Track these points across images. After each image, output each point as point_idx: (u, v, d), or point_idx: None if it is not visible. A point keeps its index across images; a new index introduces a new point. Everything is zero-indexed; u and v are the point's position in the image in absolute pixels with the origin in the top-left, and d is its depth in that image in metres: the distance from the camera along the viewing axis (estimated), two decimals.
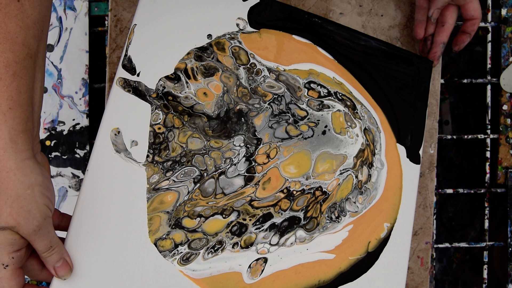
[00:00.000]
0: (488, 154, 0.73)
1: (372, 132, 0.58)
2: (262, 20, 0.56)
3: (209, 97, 0.54)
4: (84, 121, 0.67)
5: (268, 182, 0.54)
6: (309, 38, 0.57)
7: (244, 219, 0.53)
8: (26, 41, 0.39)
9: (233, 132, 0.53)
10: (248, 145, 0.54)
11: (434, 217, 0.69)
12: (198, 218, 0.51)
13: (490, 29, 0.72)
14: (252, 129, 0.54)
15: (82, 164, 0.66)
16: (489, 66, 0.72)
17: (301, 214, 0.54)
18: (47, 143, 0.66)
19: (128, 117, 0.50)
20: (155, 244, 0.49)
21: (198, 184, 0.51)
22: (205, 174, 0.52)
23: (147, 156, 0.50)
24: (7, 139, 0.38)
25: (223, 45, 0.55)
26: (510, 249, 0.72)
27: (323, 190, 0.55)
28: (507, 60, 0.71)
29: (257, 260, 0.52)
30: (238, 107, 0.54)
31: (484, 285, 0.72)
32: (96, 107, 0.71)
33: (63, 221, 0.46)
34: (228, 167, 0.53)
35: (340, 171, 0.56)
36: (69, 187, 0.66)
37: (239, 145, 0.53)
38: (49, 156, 0.66)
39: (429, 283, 0.69)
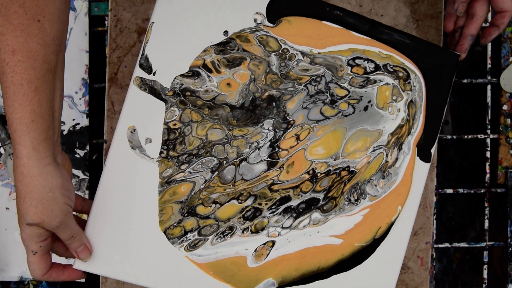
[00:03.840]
0: (488, 154, 0.73)
1: (416, 106, 0.57)
2: (282, 13, 0.55)
3: (232, 87, 0.54)
4: (84, 121, 0.67)
5: (291, 166, 0.55)
6: (340, 24, 0.56)
7: (260, 204, 0.55)
8: (46, 57, 0.43)
9: (263, 118, 0.55)
10: (276, 129, 0.55)
11: (434, 217, 0.69)
12: (213, 205, 0.54)
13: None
14: (282, 114, 0.55)
15: (82, 164, 0.66)
16: (489, 66, 0.72)
17: (321, 195, 0.56)
18: None
19: (144, 115, 0.53)
20: (165, 233, 0.53)
21: (217, 172, 0.54)
22: (224, 162, 0.54)
23: (161, 152, 0.53)
24: (30, 148, 0.43)
25: (246, 37, 0.55)
26: (510, 249, 0.72)
27: (351, 169, 0.56)
28: (507, 60, 0.71)
29: (264, 244, 0.54)
30: (267, 94, 0.55)
31: (484, 285, 0.72)
32: (96, 107, 0.71)
33: (85, 207, 0.52)
34: (251, 152, 0.54)
35: (373, 148, 0.57)
36: None
37: (268, 129, 0.55)
38: None
39: (429, 283, 0.69)
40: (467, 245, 0.73)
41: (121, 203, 0.52)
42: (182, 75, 0.53)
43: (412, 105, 0.57)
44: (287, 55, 0.56)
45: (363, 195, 0.57)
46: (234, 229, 0.54)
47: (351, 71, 0.56)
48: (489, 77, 0.72)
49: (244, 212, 0.54)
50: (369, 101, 0.57)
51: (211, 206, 0.54)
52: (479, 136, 0.73)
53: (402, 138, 0.58)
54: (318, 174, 0.56)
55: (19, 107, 0.42)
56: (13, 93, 0.42)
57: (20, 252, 0.66)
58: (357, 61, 0.57)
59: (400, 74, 0.57)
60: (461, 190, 0.73)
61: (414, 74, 0.57)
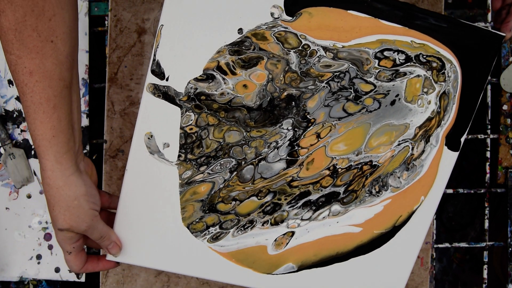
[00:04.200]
0: (488, 154, 0.73)
1: (449, 97, 0.55)
2: (302, 4, 0.51)
3: (249, 88, 0.52)
4: (84, 121, 0.66)
5: (311, 163, 0.55)
6: (367, 13, 0.51)
7: (279, 199, 0.56)
8: (61, 75, 0.45)
9: (281, 118, 0.53)
10: (296, 129, 0.54)
11: (434, 217, 0.69)
12: (233, 202, 0.55)
13: (490, 29, 0.72)
14: (302, 113, 0.53)
15: None
16: None
17: (341, 189, 0.56)
18: None
19: (160, 121, 0.52)
20: (188, 227, 0.55)
21: (235, 172, 0.54)
22: (242, 162, 0.54)
23: (179, 156, 0.53)
24: (53, 162, 0.46)
25: (263, 34, 0.51)
26: (510, 249, 0.72)
27: (373, 163, 0.56)
28: (507, 60, 0.71)
29: (283, 234, 0.56)
30: (286, 93, 0.52)
31: (484, 285, 0.72)
32: (96, 107, 0.71)
33: (112, 202, 0.54)
34: (270, 151, 0.54)
35: (399, 142, 0.55)
36: None
37: (287, 128, 0.53)
38: None
39: (429, 283, 0.69)
40: (467, 245, 0.73)
41: (145, 203, 0.54)
42: (196, 79, 0.51)
43: (444, 96, 0.55)
44: (308, 52, 0.52)
45: (385, 187, 0.57)
46: (254, 223, 0.56)
47: (378, 65, 0.53)
48: (489, 77, 0.72)
49: (263, 207, 0.55)
50: (397, 95, 0.54)
51: (231, 203, 0.55)
52: (479, 136, 0.73)
53: (431, 130, 0.56)
54: (339, 170, 0.55)
55: (40, 125, 0.45)
56: (34, 112, 0.45)
57: (20, 252, 0.66)
58: (385, 53, 0.53)
59: (434, 65, 0.54)
60: (461, 190, 0.73)
61: (450, 63, 0.54)
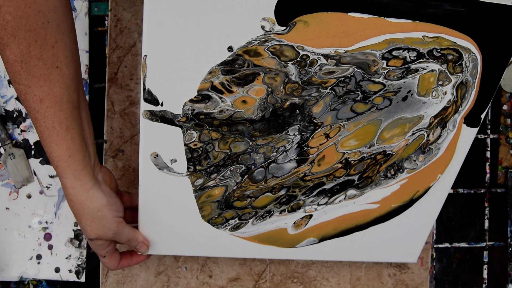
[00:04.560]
0: (488, 154, 0.73)
1: (467, 86, 0.51)
2: (295, 13, 0.46)
3: (249, 103, 0.50)
4: None
5: (322, 159, 0.55)
6: (370, 13, 0.46)
7: (294, 192, 0.56)
8: (69, 97, 0.47)
9: (287, 125, 0.52)
10: (303, 133, 0.52)
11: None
12: (248, 199, 0.56)
13: None
14: (308, 118, 0.51)
15: None
16: None
17: (355, 177, 0.56)
18: None
19: (163, 141, 0.52)
20: (208, 222, 0.57)
21: (247, 176, 0.54)
22: (252, 166, 0.54)
23: (188, 168, 0.53)
24: (73, 179, 0.49)
25: (256, 50, 0.47)
26: (510, 249, 0.72)
27: (387, 153, 0.55)
28: None
29: (302, 217, 0.58)
30: (288, 103, 0.50)
31: (484, 285, 0.72)
32: (96, 107, 0.71)
33: (133, 201, 0.57)
34: (279, 155, 0.54)
35: (413, 131, 0.54)
36: None
37: (293, 134, 0.52)
38: None
39: (429, 283, 0.69)
40: (467, 245, 0.73)
41: (163, 209, 0.56)
42: (192, 101, 0.49)
43: (462, 86, 0.51)
44: (308, 62, 0.48)
45: (401, 170, 0.56)
46: (272, 212, 0.57)
47: (387, 65, 0.49)
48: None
49: (279, 200, 0.56)
50: (409, 91, 0.51)
51: (246, 200, 0.56)
52: (479, 136, 0.73)
53: (448, 117, 0.53)
54: (352, 162, 0.55)
55: (55, 147, 0.47)
56: (48, 136, 0.47)
57: (20, 252, 0.66)
58: (394, 53, 0.49)
59: (450, 57, 0.50)
60: (461, 190, 0.73)
61: (469, 52, 0.50)
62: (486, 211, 0.72)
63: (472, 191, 0.73)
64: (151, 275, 0.67)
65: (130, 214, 0.57)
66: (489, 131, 0.72)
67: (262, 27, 0.46)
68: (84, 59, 0.67)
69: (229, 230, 0.58)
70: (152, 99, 0.49)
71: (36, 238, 0.66)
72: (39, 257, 0.66)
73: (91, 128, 0.52)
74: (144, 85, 0.48)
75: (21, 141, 0.66)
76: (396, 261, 0.64)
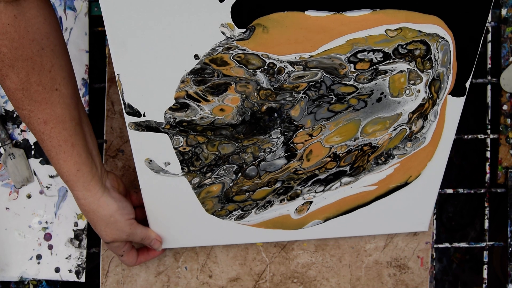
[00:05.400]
0: (488, 154, 0.73)
1: (440, 79, 0.52)
2: (252, 15, 0.46)
3: (226, 111, 0.51)
4: None
5: (310, 153, 0.56)
6: (328, 9, 0.45)
7: (289, 183, 0.58)
8: (71, 115, 0.49)
9: (269, 129, 0.54)
10: (285, 133, 0.54)
11: (434, 217, 0.69)
12: (247, 193, 0.58)
13: (490, 29, 0.72)
14: (287, 119, 0.53)
15: None
16: (489, 66, 0.72)
17: (347, 168, 0.58)
18: None
19: (153, 147, 0.54)
20: (213, 214, 0.60)
21: (240, 174, 0.57)
22: (244, 165, 0.56)
23: (182, 168, 0.56)
24: (83, 191, 0.52)
25: (222, 59, 0.48)
26: (510, 249, 0.72)
27: (373, 145, 0.56)
28: (507, 60, 0.71)
29: (302, 204, 0.60)
30: (265, 107, 0.52)
31: (484, 285, 0.72)
32: (96, 107, 0.71)
33: (141, 199, 0.59)
34: (266, 155, 0.56)
35: (394, 127, 0.56)
36: None
37: (277, 137, 0.54)
38: None
39: (429, 283, 0.69)
40: (467, 245, 0.73)
41: (168, 207, 0.59)
42: (171, 109, 0.51)
43: (434, 82, 0.52)
44: (275, 69, 0.48)
45: (391, 157, 0.58)
46: (272, 202, 0.60)
47: (355, 68, 0.49)
48: (489, 77, 0.72)
49: (276, 191, 0.59)
50: (382, 93, 0.52)
51: (245, 194, 0.58)
52: (479, 136, 0.73)
53: (426, 111, 0.55)
54: (340, 154, 0.57)
55: (64, 163, 0.50)
56: (56, 154, 0.49)
57: (20, 252, 0.66)
58: (359, 55, 0.48)
59: (417, 52, 0.49)
60: (461, 190, 0.73)
61: (436, 40, 0.48)
62: (486, 211, 0.72)
63: (472, 191, 0.73)
64: (151, 275, 0.67)
65: (141, 212, 0.60)
66: (489, 131, 0.72)
67: (223, 33, 0.46)
68: (84, 59, 0.67)
69: (234, 219, 0.60)
70: (134, 112, 0.51)
71: (36, 238, 0.66)
72: (39, 257, 0.66)
73: (94, 140, 0.54)
74: (123, 100, 0.51)
75: (21, 141, 0.66)
76: (407, 231, 0.66)
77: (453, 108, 0.55)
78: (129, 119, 0.52)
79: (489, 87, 0.73)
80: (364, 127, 0.54)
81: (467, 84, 0.53)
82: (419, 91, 0.53)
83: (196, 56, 0.48)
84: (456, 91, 0.54)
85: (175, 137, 0.53)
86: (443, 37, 0.49)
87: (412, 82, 0.52)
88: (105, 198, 0.53)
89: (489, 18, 0.72)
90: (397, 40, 0.48)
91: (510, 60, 0.71)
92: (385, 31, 0.47)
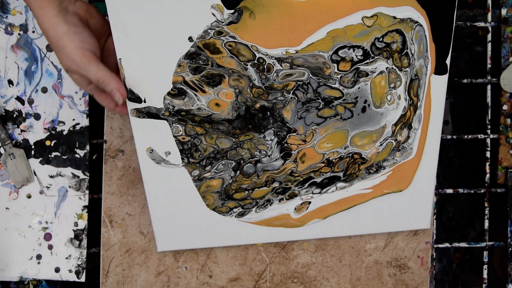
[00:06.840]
0: (488, 154, 0.73)
1: (418, 75, 0.56)
2: None
3: (222, 106, 0.55)
4: (84, 121, 0.66)
5: (304, 155, 0.59)
6: None
7: (287, 184, 0.60)
8: None
9: (263, 128, 0.57)
10: (279, 133, 0.57)
11: (434, 217, 0.69)
12: (246, 191, 0.60)
13: (490, 29, 0.72)
14: (280, 119, 0.56)
15: (82, 164, 0.66)
16: (489, 66, 0.72)
17: (340, 174, 0.60)
18: (47, 143, 0.66)
19: (154, 135, 0.56)
20: (214, 210, 0.61)
21: (238, 171, 0.59)
22: (241, 161, 0.58)
23: (182, 159, 0.57)
24: (37, 9, 0.48)
25: (215, 45, 0.53)
26: (510, 249, 0.72)
27: (362, 156, 0.60)
28: (507, 60, 0.71)
29: (301, 203, 0.62)
30: (258, 105, 0.56)
31: (484, 285, 0.72)
32: (96, 107, 0.71)
33: (103, 26, 0.53)
34: (262, 157, 0.58)
35: (380, 142, 0.59)
36: (69, 187, 0.66)
37: (270, 139, 0.57)
38: (49, 156, 0.66)
39: (429, 283, 0.69)
40: (467, 245, 0.73)
41: (170, 200, 0.60)
42: (170, 94, 0.54)
43: (413, 83, 0.56)
44: (265, 66, 0.53)
45: (382, 167, 0.61)
46: (271, 201, 0.61)
47: (338, 70, 0.54)
48: (489, 77, 0.72)
49: (275, 190, 0.61)
50: (365, 101, 0.57)
51: (244, 192, 0.60)
52: (479, 136, 0.73)
53: (409, 120, 0.59)
54: (333, 160, 0.60)
55: None
56: None
57: (20, 252, 0.66)
58: (340, 53, 0.53)
59: (394, 46, 0.54)
60: (461, 190, 0.73)
61: (411, 28, 0.53)
62: (486, 211, 0.72)
63: (472, 191, 0.73)
64: (151, 275, 0.67)
65: (113, 61, 0.54)
66: (489, 131, 0.72)
67: (213, 15, 0.51)
68: None
69: (235, 216, 0.62)
70: (135, 98, 0.54)
71: (36, 238, 0.66)
72: (39, 257, 0.66)
73: None
74: (125, 85, 0.53)
75: (21, 141, 0.66)
76: (409, 229, 0.66)
77: (437, 87, 0.58)
78: (130, 106, 0.55)
79: (489, 87, 0.73)
80: (352, 138, 0.59)
81: (448, 61, 0.57)
82: (399, 97, 0.57)
83: (190, 39, 0.52)
84: (438, 70, 0.57)
85: (174, 124, 0.56)
86: (417, 21, 0.53)
87: (392, 85, 0.56)
88: (56, 19, 0.49)
89: (489, 18, 0.72)
90: (373, 32, 0.53)
91: (510, 60, 0.71)
92: (362, 19, 0.52)
